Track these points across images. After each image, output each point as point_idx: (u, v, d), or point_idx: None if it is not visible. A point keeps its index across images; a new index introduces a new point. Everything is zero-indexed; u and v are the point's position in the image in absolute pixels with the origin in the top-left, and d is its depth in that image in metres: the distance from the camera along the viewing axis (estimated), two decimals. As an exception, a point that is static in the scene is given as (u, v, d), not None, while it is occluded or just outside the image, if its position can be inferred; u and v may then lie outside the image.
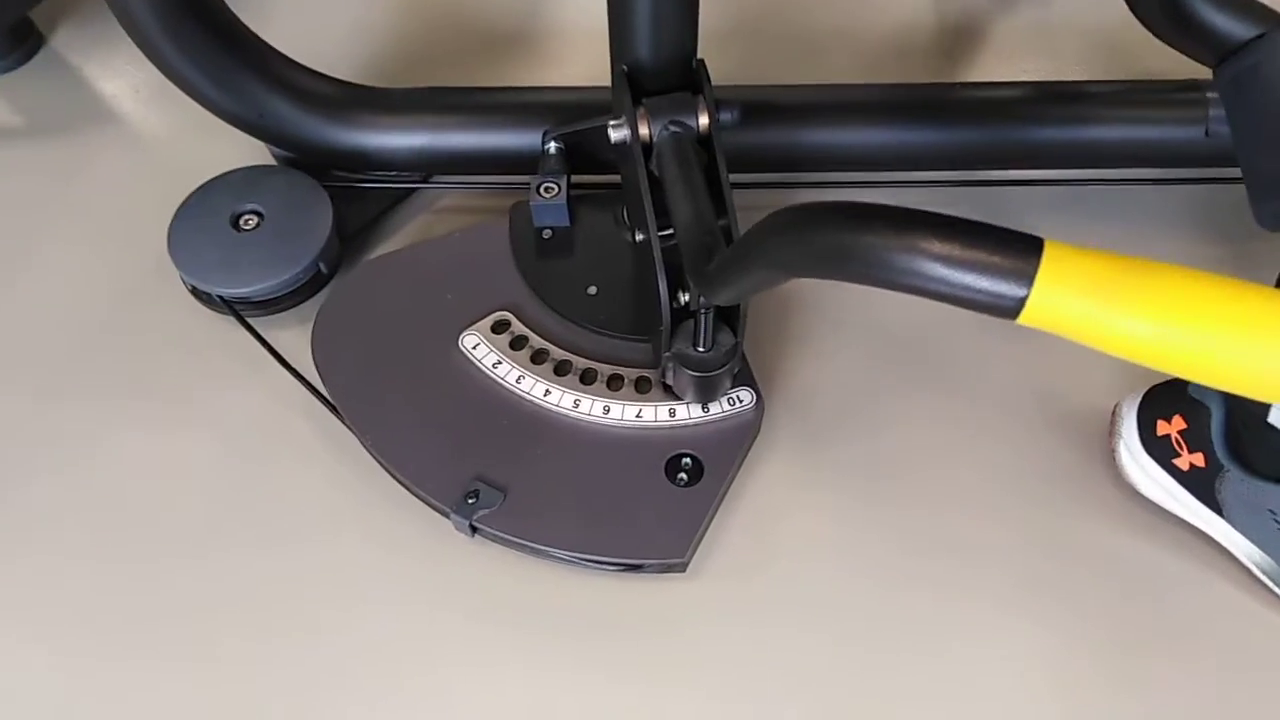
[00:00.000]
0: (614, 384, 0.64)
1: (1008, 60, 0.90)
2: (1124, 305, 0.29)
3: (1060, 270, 0.29)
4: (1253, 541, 0.60)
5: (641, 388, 0.63)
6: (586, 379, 0.63)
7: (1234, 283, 0.30)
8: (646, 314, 0.63)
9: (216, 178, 0.73)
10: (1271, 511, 0.58)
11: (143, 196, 0.78)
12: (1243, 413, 0.57)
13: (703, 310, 0.55)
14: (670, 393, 0.63)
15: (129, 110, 0.87)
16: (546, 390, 0.63)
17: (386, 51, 0.91)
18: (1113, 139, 0.75)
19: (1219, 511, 0.60)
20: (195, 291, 0.71)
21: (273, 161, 0.77)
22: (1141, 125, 0.74)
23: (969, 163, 0.76)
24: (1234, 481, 0.58)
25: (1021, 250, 0.30)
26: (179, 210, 0.72)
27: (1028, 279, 0.30)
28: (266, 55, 0.71)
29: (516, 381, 0.63)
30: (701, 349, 0.57)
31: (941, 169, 0.77)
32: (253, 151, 0.77)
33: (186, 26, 0.65)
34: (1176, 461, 0.60)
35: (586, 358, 0.64)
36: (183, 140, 0.80)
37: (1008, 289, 0.30)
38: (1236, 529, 0.60)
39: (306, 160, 0.75)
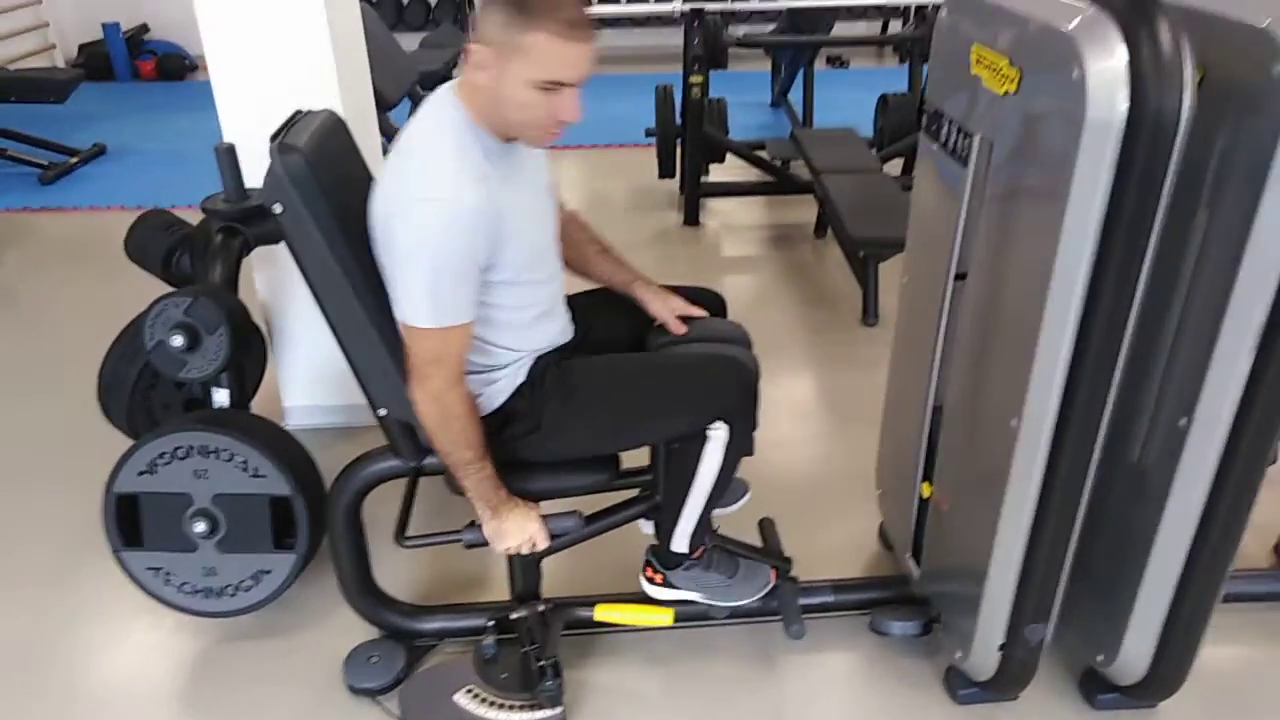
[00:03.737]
0: (513, 708, 1.74)
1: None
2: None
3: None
4: None
5: (525, 709, 1.74)
6: (501, 707, 1.74)
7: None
8: (530, 680, 1.75)
9: (357, 647, 1.88)
10: None
11: (324, 658, 1.91)
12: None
13: (547, 686, 1.69)
14: (538, 708, 1.73)
15: (298, 622, 2.04)
16: (485, 712, 1.73)
17: (428, 582, 2.12)
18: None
19: None
20: (352, 689, 1.82)
21: (378, 636, 1.93)
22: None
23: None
24: None
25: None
26: (345, 662, 1.85)
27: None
28: (384, 598, 1.91)
29: (475, 710, 1.74)
30: (546, 690, 1.70)
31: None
32: (370, 631, 1.93)
33: (366, 592, 1.85)
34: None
35: (503, 699, 1.76)
36: (332, 632, 1.95)
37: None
38: None
39: (393, 634, 1.91)
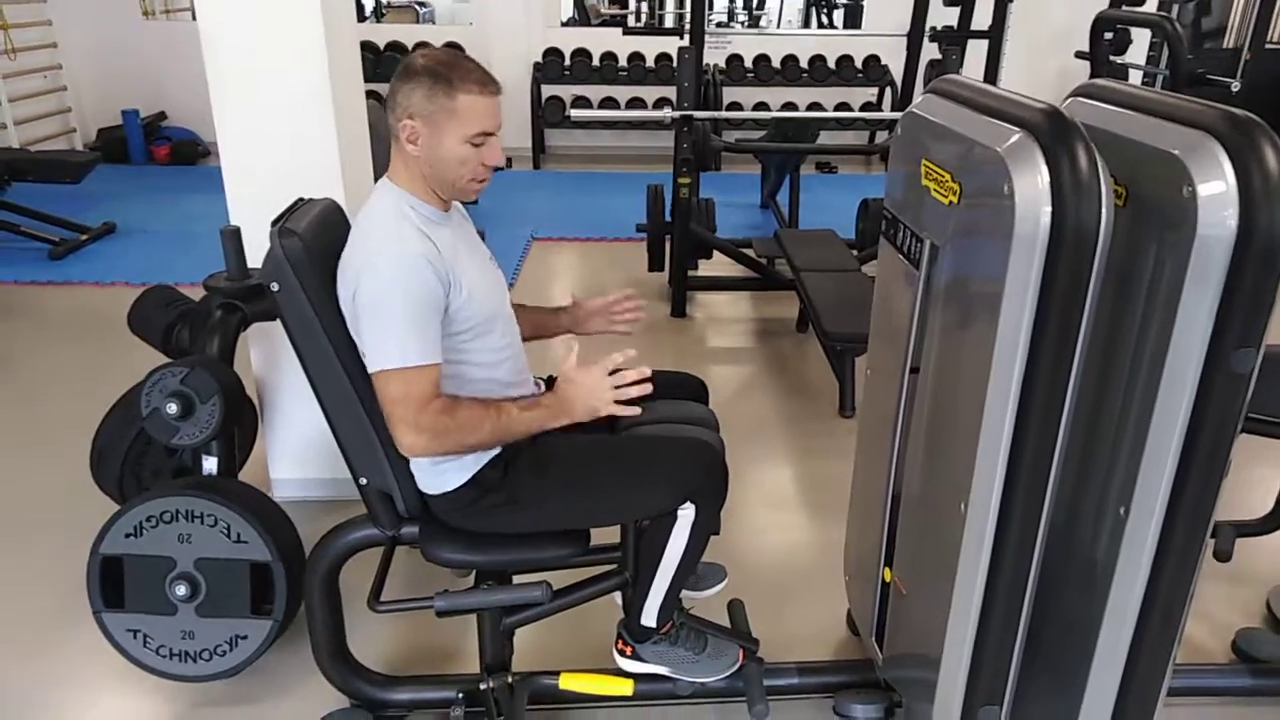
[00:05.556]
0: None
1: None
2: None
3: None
4: None
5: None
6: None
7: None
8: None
9: (326, 716, 1.91)
10: None
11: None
12: None
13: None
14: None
15: (270, 689, 2.06)
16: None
17: (402, 653, 2.16)
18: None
19: None
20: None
21: (349, 705, 1.96)
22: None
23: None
24: None
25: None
26: (318, 726, 1.89)
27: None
28: (357, 667, 1.95)
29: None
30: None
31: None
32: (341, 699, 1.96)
33: (338, 659, 1.90)
34: None
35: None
36: (303, 700, 1.98)
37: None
38: None
39: (363, 703, 1.94)
